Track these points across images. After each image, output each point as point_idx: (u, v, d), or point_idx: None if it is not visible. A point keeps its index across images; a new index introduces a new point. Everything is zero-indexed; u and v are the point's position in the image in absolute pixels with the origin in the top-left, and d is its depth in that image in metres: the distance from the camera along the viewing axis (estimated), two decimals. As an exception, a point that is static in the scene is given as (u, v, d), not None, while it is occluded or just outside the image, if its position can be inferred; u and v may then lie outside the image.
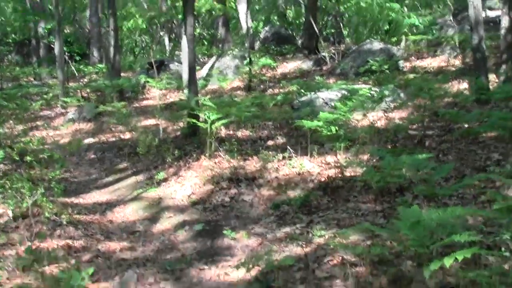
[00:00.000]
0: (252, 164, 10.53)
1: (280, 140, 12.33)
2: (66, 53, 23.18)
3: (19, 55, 34.13)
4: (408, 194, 7.97)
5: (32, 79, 27.23)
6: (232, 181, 9.87)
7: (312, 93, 14.30)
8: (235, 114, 11.23)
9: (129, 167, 12.13)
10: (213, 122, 11.16)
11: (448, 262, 4.43)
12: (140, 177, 11.20)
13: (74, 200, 10.14)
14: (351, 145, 10.23)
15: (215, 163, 10.78)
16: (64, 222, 8.17)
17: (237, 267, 6.36)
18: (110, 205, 9.88)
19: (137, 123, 17.50)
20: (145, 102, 20.84)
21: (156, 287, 6.53)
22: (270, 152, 10.91)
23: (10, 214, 8.27)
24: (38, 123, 18.71)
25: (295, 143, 11.53)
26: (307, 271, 6.22)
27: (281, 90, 18.50)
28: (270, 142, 12.26)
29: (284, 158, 10.57)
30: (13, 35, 34.13)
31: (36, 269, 6.59)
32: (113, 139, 15.60)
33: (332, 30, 27.74)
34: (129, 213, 9.47)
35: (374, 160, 9.49)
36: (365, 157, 9.92)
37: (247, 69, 20.63)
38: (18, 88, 21.49)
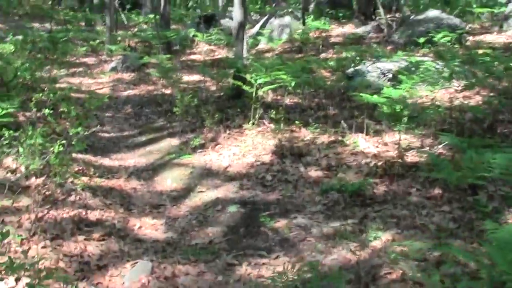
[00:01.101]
0: (300, 138, 9.02)
1: (332, 111, 10.80)
2: (117, 0, 21.77)
3: (76, 1, 32.97)
4: (482, 193, 6.41)
5: (83, 24, 26.00)
6: (276, 155, 8.38)
7: (369, 61, 12.66)
8: (284, 79, 9.64)
9: (165, 126, 10.77)
10: (259, 86, 9.67)
11: None
12: (175, 140, 9.80)
13: (99, 159, 8.81)
14: (414, 126, 8.62)
15: (258, 132, 9.33)
16: (79, 189, 6.85)
17: (273, 278, 4.90)
18: (137, 170, 8.51)
19: (181, 78, 16.15)
20: (192, 57, 19.39)
21: (173, 282, 5.18)
22: (320, 125, 9.44)
23: (23, 170, 7.02)
24: (81, 69, 17.45)
25: (348, 116, 10.02)
26: (358, 286, 4.80)
27: (334, 56, 16.89)
28: (320, 113, 10.76)
29: (336, 133, 9.05)
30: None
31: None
32: (155, 92, 14.28)
33: (391, -4, 25.81)
34: (157, 181, 8.10)
35: (440, 147, 7.89)
36: (428, 140, 8.36)
37: (300, 30, 19.05)
38: (65, 32, 20.21)
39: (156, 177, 8.17)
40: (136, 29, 23.98)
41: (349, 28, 21.05)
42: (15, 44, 16.13)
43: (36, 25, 24.39)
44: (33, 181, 6.83)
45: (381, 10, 20.91)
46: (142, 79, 15.75)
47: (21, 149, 6.82)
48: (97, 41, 19.86)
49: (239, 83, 10.11)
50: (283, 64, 11.07)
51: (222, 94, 12.56)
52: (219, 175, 8.04)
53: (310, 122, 9.77)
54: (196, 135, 9.68)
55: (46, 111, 7.34)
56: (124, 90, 14.88)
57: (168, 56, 17.33)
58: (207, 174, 8.11)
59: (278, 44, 18.69)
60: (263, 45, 19.61)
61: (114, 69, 16.89)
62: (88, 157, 8.60)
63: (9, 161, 7.09)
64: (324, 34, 20.42)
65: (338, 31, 21.05)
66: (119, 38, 20.90)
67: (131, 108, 12.64)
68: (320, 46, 18.40)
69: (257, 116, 9.58)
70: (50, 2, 30.76)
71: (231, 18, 22.82)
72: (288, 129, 9.36)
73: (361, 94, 8.44)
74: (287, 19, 20.90)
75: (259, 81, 9.50)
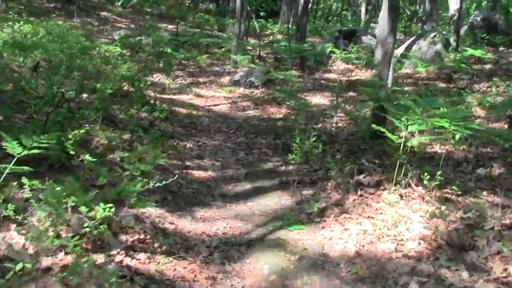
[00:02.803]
0: (459, 215, 6.04)
1: (497, 168, 7.76)
2: (250, 7, 19.36)
3: (213, 3, 31.08)
4: None
5: (215, 29, 23.92)
6: (427, 243, 5.48)
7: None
8: (446, 128, 6.63)
9: (278, 170, 8.05)
10: (411, 134, 6.78)
11: None
12: (286, 196, 7.05)
13: (177, 219, 6.09)
14: None
15: (402, 198, 6.47)
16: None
17: None
18: (225, 243, 5.68)
19: (310, 100, 13.47)
20: (326, 75, 16.66)
21: None
22: (485, 192, 6.48)
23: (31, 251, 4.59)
24: (201, 79, 15.16)
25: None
26: None
27: (489, 89, 13.67)
28: (481, 170, 7.74)
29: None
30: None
31: None
32: (277, 116, 11.71)
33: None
34: (249, 266, 5.28)
35: None
36: None
37: (451, 56, 15.90)
38: (191, 36, 18.03)
39: (248, 259, 5.42)
40: (268, 39, 21.60)
41: (509, 58, 17.53)
42: (131, 45, 14.13)
43: (166, 26, 22.60)
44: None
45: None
46: (266, 99, 13.20)
47: (39, 213, 4.35)
48: (223, 49, 17.50)
49: (382, 128, 7.17)
50: (440, 103, 8.07)
51: (356, 130, 9.75)
52: (339, 270, 5.22)
53: (471, 186, 6.83)
54: (315, 193, 6.91)
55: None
56: (243, 110, 12.40)
57: (298, 74, 14.78)
58: (321, 264, 5.29)
59: (426, 71, 15.53)
60: (407, 69, 16.55)
61: (236, 83, 14.48)
62: (163, 212, 6.04)
63: (18, 237, 4.53)
64: (478, 62, 17.06)
65: (493, 60, 17.58)
66: (249, 47, 18.53)
67: (244, 136, 10.09)
68: (474, 76, 15.14)
69: (402, 174, 6.67)
70: (187, 3, 29.01)
71: (374, 36, 19.99)
72: (440, 194, 6.44)
73: None
74: (436, 42, 17.68)
75: (410, 128, 6.57)
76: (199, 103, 13.02)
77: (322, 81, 15.72)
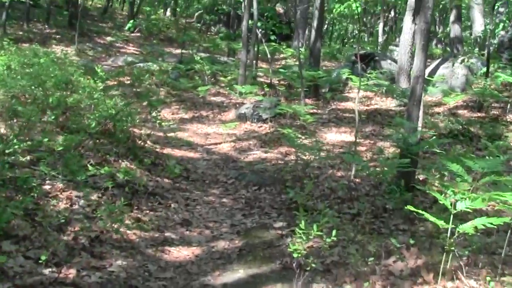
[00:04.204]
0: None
1: None
2: (260, 30, 17.51)
3: (225, 27, 29.32)
4: None
5: (225, 53, 22.12)
6: None
7: None
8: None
9: (281, 247, 6.07)
10: (459, 210, 4.81)
11: None
12: (288, 292, 5.15)
13: None
14: None
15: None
16: None
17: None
18: None
19: (325, 136, 11.61)
20: (343, 104, 14.76)
21: None
22: None
23: None
24: (203, 112, 13.33)
25: None
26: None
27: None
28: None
29: None
30: (223, 6, 29.23)
31: None
32: (286, 158, 9.86)
33: None
34: None
35: None
36: None
37: (481, 82, 13.99)
38: (196, 62, 16.18)
39: None
40: (281, 64, 19.77)
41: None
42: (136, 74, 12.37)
43: (173, 50, 20.89)
44: None
45: None
46: (274, 136, 11.34)
47: None
48: (229, 77, 15.63)
49: (416, 210, 5.15)
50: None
51: (380, 182, 7.82)
52: None
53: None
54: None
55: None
56: (248, 149, 10.56)
57: (312, 103, 12.95)
58: None
59: (455, 100, 13.52)
60: (432, 97, 14.63)
61: (242, 117, 12.63)
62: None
63: None
64: (510, 89, 15.08)
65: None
66: (259, 73, 16.68)
67: (245, 187, 8.19)
68: (509, 105, 13.17)
69: (450, 263, 4.72)
70: (198, 26, 27.29)
71: (393, 60, 18.11)
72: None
73: None
74: (463, 66, 15.72)
75: (460, 206, 4.59)
76: (198, 141, 11.20)
77: (338, 112, 13.84)
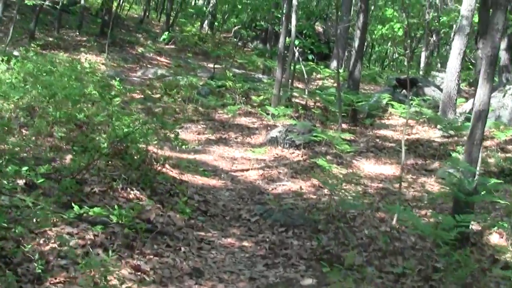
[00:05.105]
0: None
1: None
2: (297, 48, 16.31)
3: (262, 43, 28.23)
4: None
5: (260, 71, 20.99)
6: None
7: None
8: None
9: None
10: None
11: None
12: None
13: None
14: None
15: None
16: None
17: None
18: None
19: (363, 168, 10.40)
20: (382, 132, 13.46)
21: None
22: None
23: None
24: (232, 134, 12.18)
25: None
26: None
27: None
28: None
29: None
30: (261, 22, 28.11)
31: None
32: (318, 193, 8.66)
33: None
34: None
35: None
36: None
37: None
38: (228, 79, 15.00)
39: None
40: (318, 85, 18.57)
41: None
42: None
43: (208, 64, 19.85)
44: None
45: None
46: (307, 165, 10.14)
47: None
48: (262, 97, 14.41)
49: None
50: None
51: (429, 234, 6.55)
52: None
53: None
54: None
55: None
56: (277, 179, 9.37)
57: (349, 130, 11.75)
58: None
59: (506, 135, 12.13)
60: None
61: (273, 141, 11.41)
62: None
63: None
64: None
65: None
66: (294, 93, 15.47)
67: (270, 228, 6.97)
68: None
69: None
70: (235, 41, 26.24)
71: (438, 87, 16.81)
72: None
73: None
74: (513, 96, 14.34)
75: None
76: (223, 166, 10.04)
77: (377, 140, 12.57)
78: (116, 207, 5.53)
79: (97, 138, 7.42)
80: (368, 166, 10.62)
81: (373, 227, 6.91)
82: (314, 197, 8.45)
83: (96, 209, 4.96)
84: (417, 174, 10.34)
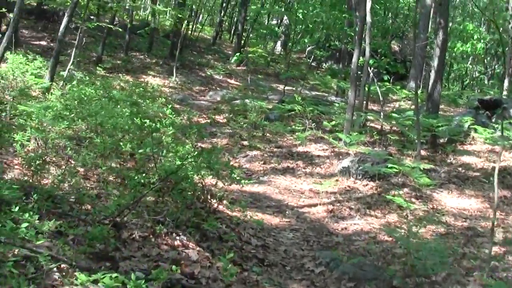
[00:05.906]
0: None
1: None
2: (372, 68, 15.09)
3: (336, 63, 27.11)
4: None
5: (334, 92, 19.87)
6: None
7: None
8: None
9: None
10: None
11: None
12: None
13: None
14: None
15: None
16: None
17: None
18: None
19: (444, 202, 9.16)
20: (464, 159, 12.04)
21: None
22: None
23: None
24: (300, 163, 11.12)
25: None
26: None
27: None
28: None
29: None
30: (335, 41, 26.98)
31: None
32: (399, 231, 7.44)
33: None
34: None
35: None
36: None
37: None
38: (297, 103, 13.85)
39: None
40: (394, 107, 17.28)
41: None
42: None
43: (278, 86, 18.91)
44: None
45: None
46: (382, 199, 8.96)
47: None
48: (334, 121, 13.23)
49: None
50: None
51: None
52: None
53: None
54: None
55: None
56: (347, 216, 8.26)
57: (428, 158, 10.54)
58: None
59: None
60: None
61: (345, 171, 10.28)
62: None
63: None
64: None
65: None
66: (369, 117, 14.23)
67: (337, 282, 5.84)
68: None
69: None
70: (309, 61, 25.24)
71: (526, 109, 15.19)
72: None
73: None
74: None
75: None
76: (289, 201, 8.99)
77: (460, 169, 11.21)
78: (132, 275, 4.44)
79: (143, 174, 6.53)
80: (450, 200, 9.35)
81: (459, 284, 5.69)
82: (390, 239, 7.28)
83: (107, 279, 3.92)
84: (506, 210, 9.00)
